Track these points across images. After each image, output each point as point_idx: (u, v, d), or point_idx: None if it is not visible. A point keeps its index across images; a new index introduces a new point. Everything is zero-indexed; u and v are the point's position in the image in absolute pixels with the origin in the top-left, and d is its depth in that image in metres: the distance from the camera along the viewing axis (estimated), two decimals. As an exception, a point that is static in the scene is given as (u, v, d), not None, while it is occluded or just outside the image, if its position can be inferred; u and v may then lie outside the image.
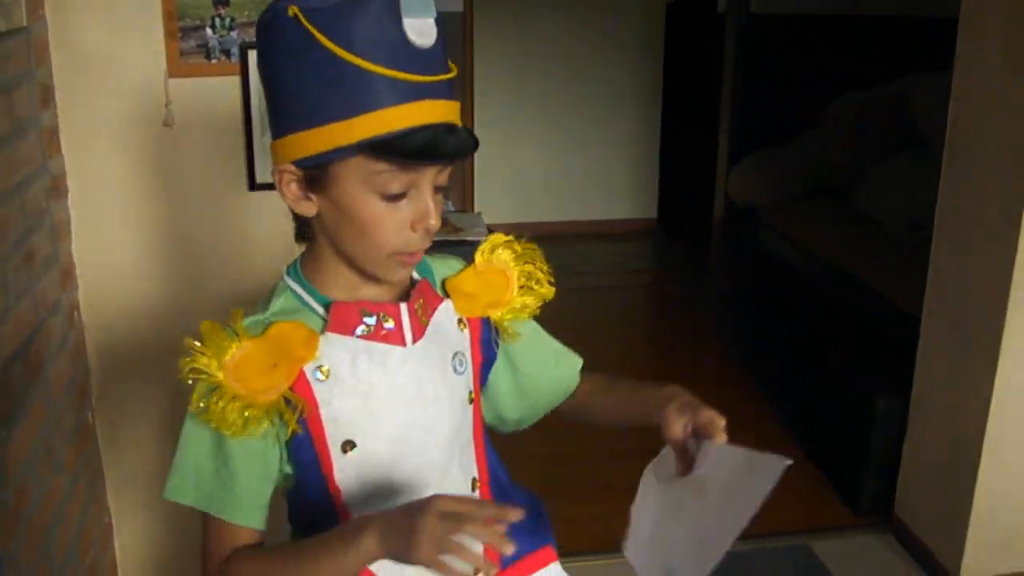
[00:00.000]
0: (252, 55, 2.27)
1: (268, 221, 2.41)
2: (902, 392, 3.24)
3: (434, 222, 1.18)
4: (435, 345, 1.31)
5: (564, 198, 6.82)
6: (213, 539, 1.29)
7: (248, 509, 1.27)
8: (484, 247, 1.42)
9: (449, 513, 1.06)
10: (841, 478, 3.54)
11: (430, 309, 1.32)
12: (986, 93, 2.81)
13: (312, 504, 1.28)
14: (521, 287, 1.42)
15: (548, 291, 1.44)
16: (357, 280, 1.27)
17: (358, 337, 1.24)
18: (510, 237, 1.44)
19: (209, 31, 2.27)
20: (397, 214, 1.17)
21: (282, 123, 1.18)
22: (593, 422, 1.54)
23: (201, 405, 1.18)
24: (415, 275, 1.34)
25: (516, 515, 1.07)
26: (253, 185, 2.37)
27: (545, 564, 1.45)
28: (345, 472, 1.26)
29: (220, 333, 1.19)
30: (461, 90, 6.10)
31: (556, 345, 1.53)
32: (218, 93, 2.32)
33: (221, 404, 1.17)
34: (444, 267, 1.41)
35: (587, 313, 5.23)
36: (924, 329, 3.15)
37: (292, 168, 1.19)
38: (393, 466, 1.27)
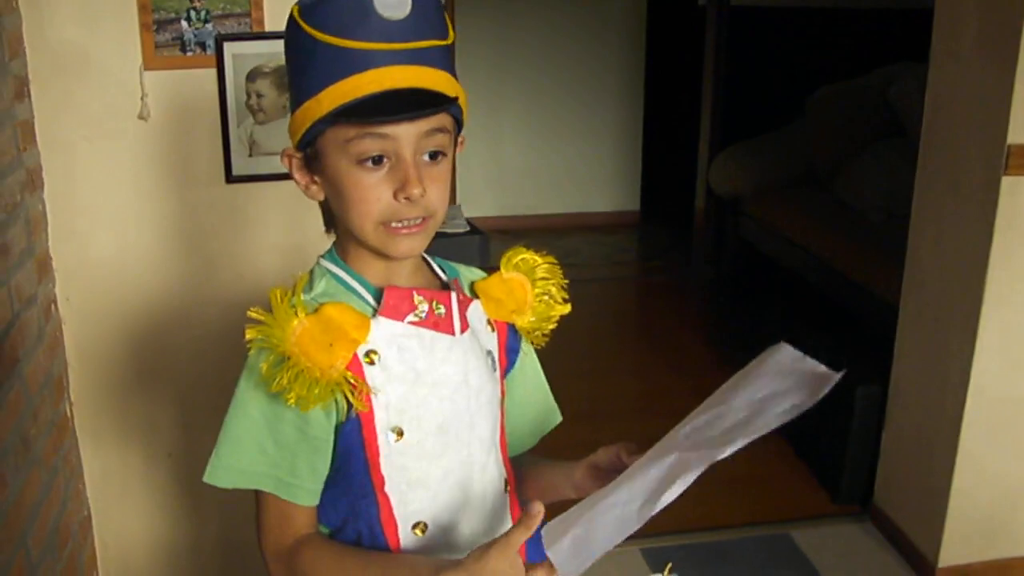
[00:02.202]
0: (228, 47, 2.27)
1: (245, 214, 2.41)
2: (881, 381, 3.26)
3: (416, 190, 1.18)
4: (474, 340, 1.33)
5: (546, 191, 6.82)
6: (276, 520, 1.27)
7: (311, 490, 1.27)
8: (508, 256, 1.44)
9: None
10: (821, 467, 3.56)
11: (464, 306, 1.33)
12: (960, 83, 2.82)
13: (355, 490, 1.28)
14: (537, 300, 1.44)
15: (563, 307, 1.46)
16: (380, 263, 1.28)
17: (409, 323, 1.25)
18: (530, 252, 1.45)
19: (184, 24, 2.26)
20: (377, 182, 1.19)
21: (290, 111, 1.24)
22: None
23: (278, 378, 1.16)
24: (443, 275, 1.36)
25: None
26: (230, 178, 2.37)
27: None
28: (390, 459, 1.25)
29: (286, 304, 1.19)
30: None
31: (548, 393, 1.54)
32: (194, 86, 2.31)
33: (290, 376, 1.16)
34: (471, 273, 1.43)
35: (574, 305, 5.25)
36: (901, 318, 3.17)
37: (293, 151, 1.25)
38: (438, 457, 1.28)
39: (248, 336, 1.19)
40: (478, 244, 3.35)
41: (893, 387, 3.22)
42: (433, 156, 1.22)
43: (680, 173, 6.13)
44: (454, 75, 1.22)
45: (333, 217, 1.29)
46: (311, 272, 1.31)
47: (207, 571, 2.69)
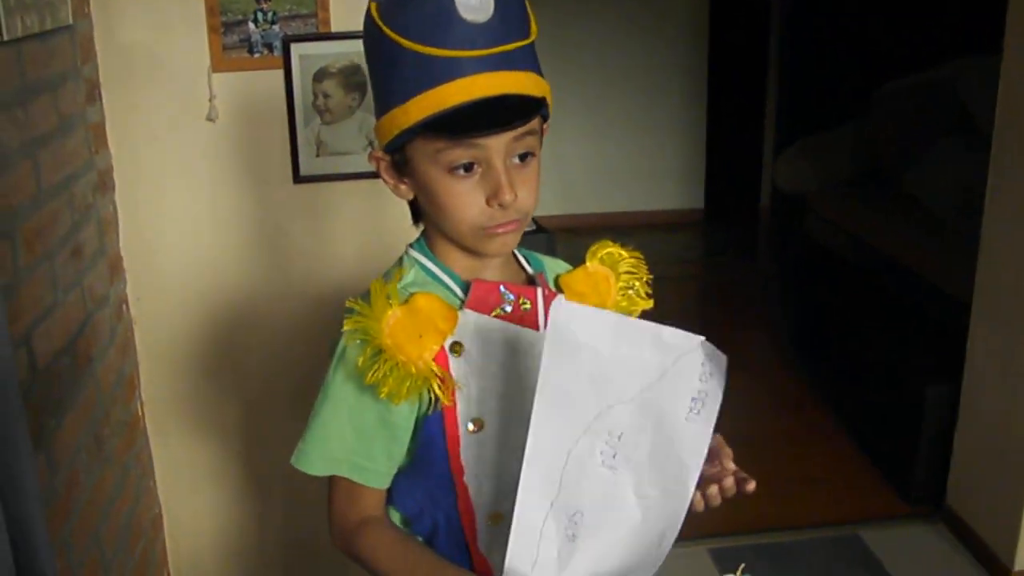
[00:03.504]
0: (294, 48, 2.29)
1: (313, 214, 2.43)
2: (952, 379, 3.20)
3: (508, 196, 1.18)
4: None
5: (610, 188, 6.77)
6: (345, 500, 1.31)
7: (384, 473, 1.30)
8: (594, 250, 1.44)
9: None
10: (892, 467, 3.50)
11: (549, 301, 1.33)
12: (1036, 75, 2.76)
13: (434, 478, 1.30)
14: (620, 294, 1.44)
15: (646, 303, 1.45)
16: (468, 257, 1.28)
17: (494, 317, 1.26)
18: (615, 246, 1.46)
19: (252, 25, 2.28)
20: (469, 189, 1.19)
21: (375, 112, 1.24)
22: None
23: (372, 370, 1.18)
24: (529, 268, 1.37)
25: None
26: (298, 178, 2.39)
27: None
28: (470, 451, 1.27)
29: (383, 296, 1.20)
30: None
31: None
32: (261, 87, 2.33)
33: (385, 369, 1.18)
34: (556, 265, 1.44)
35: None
36: (974, 315, 3.10)
37: (381, 154, 1.25)
38: (516, 449, 1.27)
39: (346, 327, 1.20)
40: (544, 243, 3.34)
41: (966, 386, 3.15)
42: (523, 157, 1.22)
43: (745, 170, 6.07)
44: (539, 71, 1.23)
45: (421, 211, 1.30)
46: (400, 260, 1.32)
47: (275, 567, 2.72)
